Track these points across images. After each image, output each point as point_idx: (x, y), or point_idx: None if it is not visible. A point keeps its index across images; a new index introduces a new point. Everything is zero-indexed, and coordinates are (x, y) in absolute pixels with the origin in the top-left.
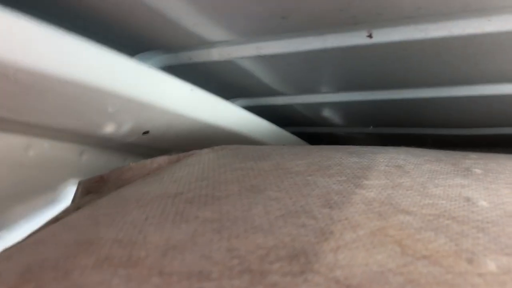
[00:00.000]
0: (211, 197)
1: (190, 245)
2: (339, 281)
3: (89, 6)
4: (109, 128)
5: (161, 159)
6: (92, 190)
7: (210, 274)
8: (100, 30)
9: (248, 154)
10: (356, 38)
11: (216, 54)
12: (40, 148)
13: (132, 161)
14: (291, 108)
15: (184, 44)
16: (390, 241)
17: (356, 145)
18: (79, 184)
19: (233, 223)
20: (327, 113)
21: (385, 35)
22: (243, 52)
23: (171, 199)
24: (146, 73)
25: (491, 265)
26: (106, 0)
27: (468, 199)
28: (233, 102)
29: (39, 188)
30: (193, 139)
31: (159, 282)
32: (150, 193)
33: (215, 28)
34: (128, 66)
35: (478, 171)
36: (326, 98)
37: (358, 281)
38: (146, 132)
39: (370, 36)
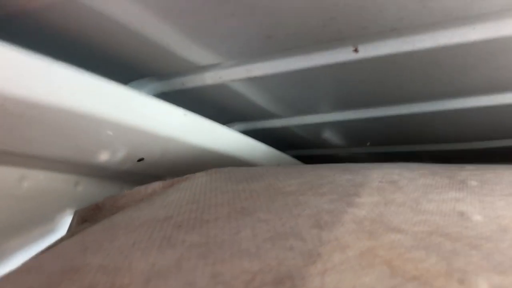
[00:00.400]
0: (199, 220)
1: (175, 271)
2: None
3: (82, 36)
4: (103, 156)
5: (156, 185)
6: (87, 218)
7: None
8: (93, 60)
9: (241, 175)
10: (343, 54)
11: (207, 78)
12: (35, 179)
13: (128, 189)
14: (289, 130)
15: (175, 70)
16: (379, 261)
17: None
18: (75, 213)
19: (220, 247)
20: (325, 133)
21: (372, 49)
22: (234, 75)
23: (160, 223)
24: (137, 100)
25: (483, 285)
26: (98, 30)
27: (462, 214)
28: (230, 126)
29: (35, 220)
30: (190, 165)
31: None
32: (140, 218)
33: (203, 52)
34: (120, 93)
35: (474, 183)
36: (322, 118)
37: None
38: (141, 159)
39: (356, 50)
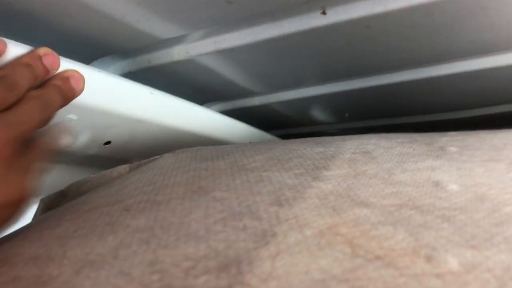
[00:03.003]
0: (151, 202)
1: (110, 259)
2: None
3: (38, 15)
4: (66, 141)
5: (122, 168)
6: (52, 206)
7: None
8: (53, 39)
9: (207, 154)
10: (312, 20)
11: (174, 54)
12: None
13: None
14: (271, 109)
15: (139, 45)
16: (340, 241)
17: None
18: (40, 201)
19: (166, 231)
20: (307, 109)
21: (341, 12)
22: (201, 49)
23: (109, 207)
24: (97, 78)
25: (452, 263)
26: (54, 7)
27: (437, 184)
28: (209, 106)
29: None
30: (164, 147)
31: None
32: (91, 203)
33: (165, 24)
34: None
35: (453, 149)
36: (302, 93)
37: None
38: (107, 143)
39: (323, 12)
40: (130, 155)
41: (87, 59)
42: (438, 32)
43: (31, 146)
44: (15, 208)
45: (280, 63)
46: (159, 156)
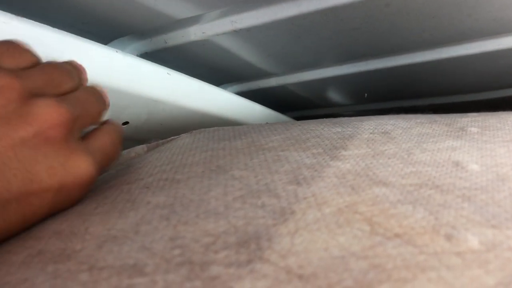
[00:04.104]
0: (170, 180)
1: (132, 235)
2: (290, 271)
3: None
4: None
5: (139, 148)
6: None
7: (144, 268)
8: (71, 20)
9: (224, 134)
10: None
11: (191, 34)
12: None
13: None
14: (288, 90)
15: (155, 26)
16: (359, 219)
17: None
18: None
19: (186, 207)
20: (324, 91)
21: None
22: (218, 28)
23: (129, 185)
24: (116, 58)
25: (473, 241)
26: None
27: (457, 164)
28: (226, 88)
29: None
30: (181, 128)
31: (87, 278)
32: (110, 182)
33: (181, 3)
34: (98, 52)
35: (474, 129)
36: (319, 74)
37: (313, 269)
38: (126, 123)
39: None
40: (148, 135)
41: (104, 39)
42: (460, 10)
43: (95, 133)
44: (78, 189)
45: (298, 43)
46: (176, 136)
